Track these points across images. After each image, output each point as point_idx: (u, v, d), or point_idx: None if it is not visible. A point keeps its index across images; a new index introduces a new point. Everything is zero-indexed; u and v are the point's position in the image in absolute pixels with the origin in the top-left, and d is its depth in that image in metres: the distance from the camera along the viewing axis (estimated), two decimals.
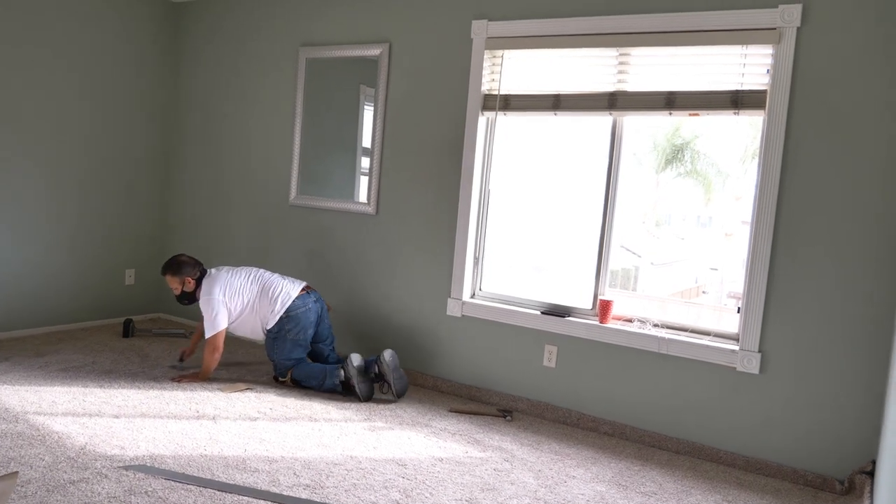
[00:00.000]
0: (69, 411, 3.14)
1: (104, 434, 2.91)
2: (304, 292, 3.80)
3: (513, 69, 3.75)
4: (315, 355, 3.92)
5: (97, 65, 4.60)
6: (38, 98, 4.30)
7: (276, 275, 3.89)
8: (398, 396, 3.67)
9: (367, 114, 4.26)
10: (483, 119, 3.85)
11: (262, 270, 3.91)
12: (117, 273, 4.95)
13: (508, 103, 3.76)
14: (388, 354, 3.64)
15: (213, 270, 3.85)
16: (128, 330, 4.56)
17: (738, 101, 3.18)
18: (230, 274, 3.82)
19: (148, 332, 4.69)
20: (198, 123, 5.01)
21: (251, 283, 3.79)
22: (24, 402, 3.19)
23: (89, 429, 2.95)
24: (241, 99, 4.78)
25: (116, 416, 3.13)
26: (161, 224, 5.21)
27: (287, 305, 3.69)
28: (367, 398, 3.62)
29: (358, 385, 3.59)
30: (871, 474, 2.82)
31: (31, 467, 2.53)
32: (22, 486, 2.37)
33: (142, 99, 4.93)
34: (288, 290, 3.76)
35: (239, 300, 3.74)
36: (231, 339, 4.77)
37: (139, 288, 5.11)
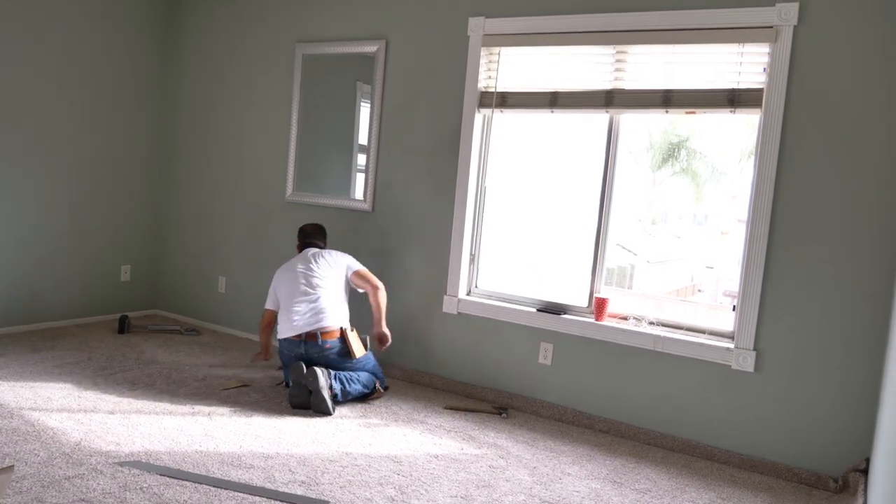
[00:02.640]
0: (64, 407, 3.13)
1: (99, 430, 2.90)
2: (298, 339, 3.47)
3: (510, 66, 3.75)
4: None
5: (91, 61, 4.58)
6: (32, 95, 4.28)
7: (304, 298, 3.53)
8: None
9: (364, 111, 4.26)
10: (480, 116, 3.85)
11: (305, 283, 3.57)
12: (113, 269, 4.94)
13: (505, 100, 3.76)
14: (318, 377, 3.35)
15: (307, 251, 3.76)
16: (123, 326, 4.55)
17: (734, 99, 3.18)
18: (287, 267, 3.70)
19: (143, 329, 4.68)
20: (193, 119, 5.00)
21: (280, 293, 3.64)
22: (20, 399, 3.19)
23: (84, 425, 2.95)
24: (238, 95, 4.76)
25: (111, 413, 3.12)
26: (157, 220, 5.20)
27: (278, 339, 3.61)
28: (295, 405, 3.37)
29: (290, 391, 3.43)
30: (865, 472, 2.83)
31: (27, 463, 2.52)
32: (17, 482, 2.36)
33: (137, 95, 4.91)
34: (283, 327, 3.55)
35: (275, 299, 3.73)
36: (230, 337, 4.77)
37: (135, 284, 5.10)
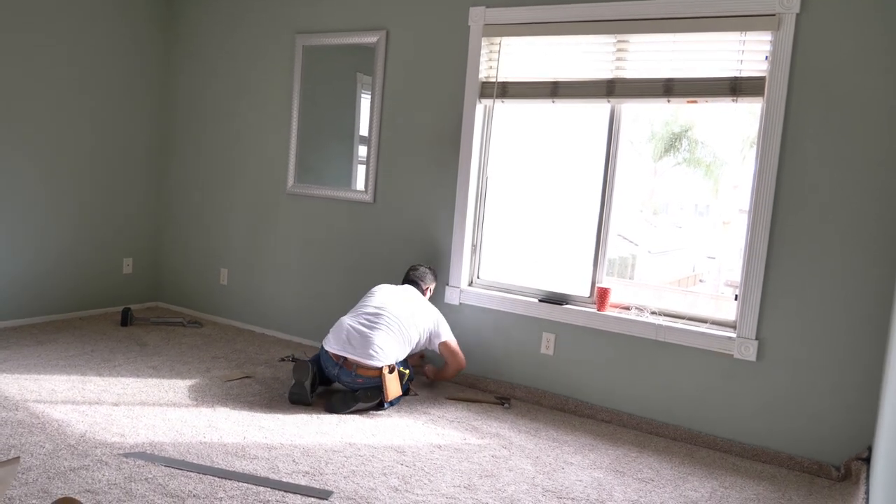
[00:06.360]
0: (69, 399, 3.15)
1: (104, 422, 2.92)
2: (336, 359, 3.34)
3: (510, 56, 3.74)
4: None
5: (91, 55, 4.57)
6: (34, 89, 4.27)
7: (365, 324, 3.38)
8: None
9: (365, 102, 4.25)
10: (481, 106, 3.84)
11: (376, 311, 3.44)
12: (115, 262, 4.95)
13: (506, 91, 3.75)
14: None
15: (407, 286, 3.71)
16: (126, 319, 4.56)
17: (736, 87, 3.17)
18: (382, 286, 3.68)
19: (146, 321, 4.69)
20: (194, 111, 4.99)
21: (360, 301, 3.61)
22: (24, 391, 3.20)
23: (89, 416, 2.96)
24: (238, 87, 4.75)
25: (116, 404, 3.14)
26: (158, 212, 5.20)
27: (322, 343, 3.46)
28: (293, 402, 3.35)
29: (291, 388, 3.38)
30: (867, 461, 2.84)
31: (32, 455, 2.53)
32: (23, 474, 2.38)
33: (137, 88, 4.90)
34: (331, 336, 3.40)
35: None
36: (233, 329, 4.78)
37: (137, 277, 5.11)
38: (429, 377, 3.82)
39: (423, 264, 3.88)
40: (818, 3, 2.96)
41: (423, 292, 3.71)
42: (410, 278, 3.75)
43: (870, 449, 2.87)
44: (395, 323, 3.41)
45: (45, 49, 4.30)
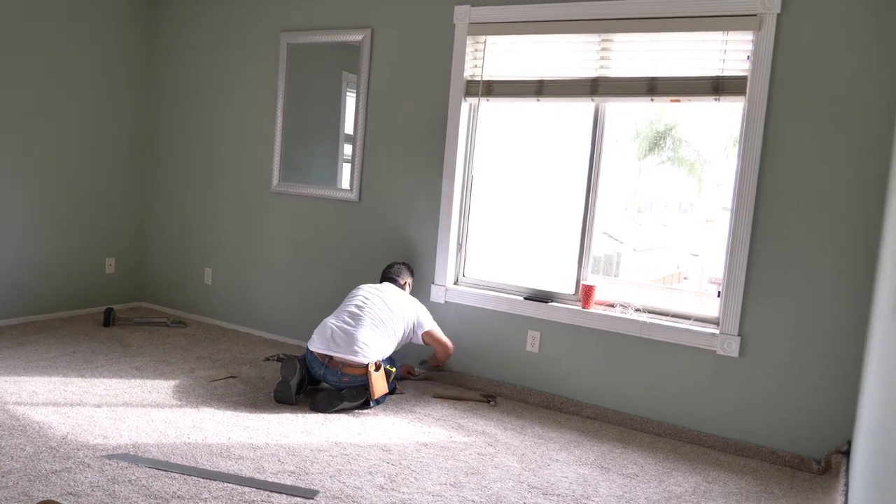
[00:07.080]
0: (50, 401, 3.11)
1: (86, 423, 2.89)
2: (322, 358, 3.33)
3: (495, 55, 3.74)
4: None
5: (73, 54, 4.51)
6: (15, 87, 4.22)
7: (349, 322, 3.40)
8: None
9: (350, 100, 4.24)
10: (466, 105, 3.84)
11: (358, 307, 3.46)
12: (97, 262, 4.89)
13: (491, 89, 3.76)
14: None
15: (385, 283, 3.71)
16: (108, 319, 4.51)
17: (718, 87, 3.20)
18: (360, 286, 3.68)
19: (129, 322, 4.64)
20: (178, 110, 4.95)
21: (341, 304, 3.62)
22: (4, 393, 3.16)
23: (71, 418, 2.93)
24: (222, 85, 4.72)
25: (98, 406, 3.10)
26: (142, 211, 5.15)
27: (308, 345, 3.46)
28: (278, 400, 3.33)
29: (277, 386, 3.37)
30: (847, 454, 2.88)
31: (12, 458, 2.50)
32: (3, 477, 2.35)
33: (120, 86, 4.85)
34: (315, 337, 3.40)
35: None
36: (217, 329, 4.75)
37: (120, 276, 5.06)
38: (412, 372, 3.91)
39: (398, 261, 3.91)
40: (799, 3, 2.99)
41: (402, 287, 3.74)
42: (387, 276, 3.78)
43: (849, 442, 2.91)
44: (378, 318, 3.44)
45: (27, 48, 4.24)
